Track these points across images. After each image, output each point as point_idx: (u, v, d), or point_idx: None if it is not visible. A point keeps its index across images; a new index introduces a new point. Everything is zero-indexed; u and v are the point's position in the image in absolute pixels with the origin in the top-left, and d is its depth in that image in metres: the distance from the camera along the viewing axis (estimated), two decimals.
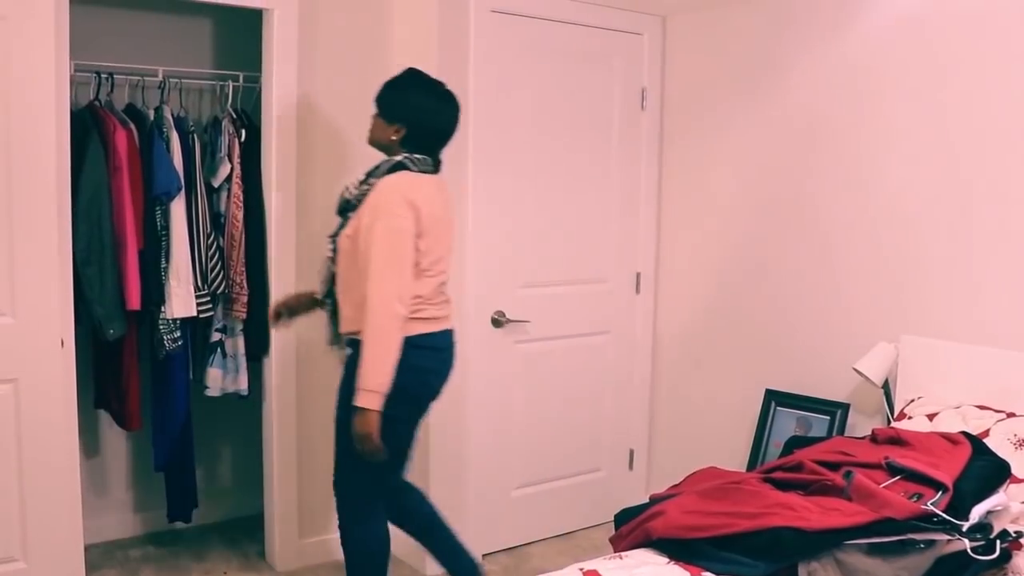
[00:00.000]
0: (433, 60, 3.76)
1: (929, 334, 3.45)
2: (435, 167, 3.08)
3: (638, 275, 4.52)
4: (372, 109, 3.13)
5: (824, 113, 3.78)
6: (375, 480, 3.10)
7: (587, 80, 4.24)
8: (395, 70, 3.99)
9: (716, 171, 4.24)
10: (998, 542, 2.42)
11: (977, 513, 2.45)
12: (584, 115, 4.25)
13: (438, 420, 3.91)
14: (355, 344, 2.97)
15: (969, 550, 2.34)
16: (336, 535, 4.00)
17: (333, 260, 3.04)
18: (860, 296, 3.69)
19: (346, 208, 3.03)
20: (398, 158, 2.99)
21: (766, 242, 4.03)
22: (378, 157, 3.09)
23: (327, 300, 3.12)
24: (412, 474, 4.00)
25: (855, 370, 3.47)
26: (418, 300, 2.94)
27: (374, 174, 3.00)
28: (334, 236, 3.04)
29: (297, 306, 3.34)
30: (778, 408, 3.93)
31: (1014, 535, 2.53)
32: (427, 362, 3.02)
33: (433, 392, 3.11)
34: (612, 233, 4.41)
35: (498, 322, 4.05)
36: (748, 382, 4.14)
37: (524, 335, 4.15)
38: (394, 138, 3.01)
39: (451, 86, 3.75)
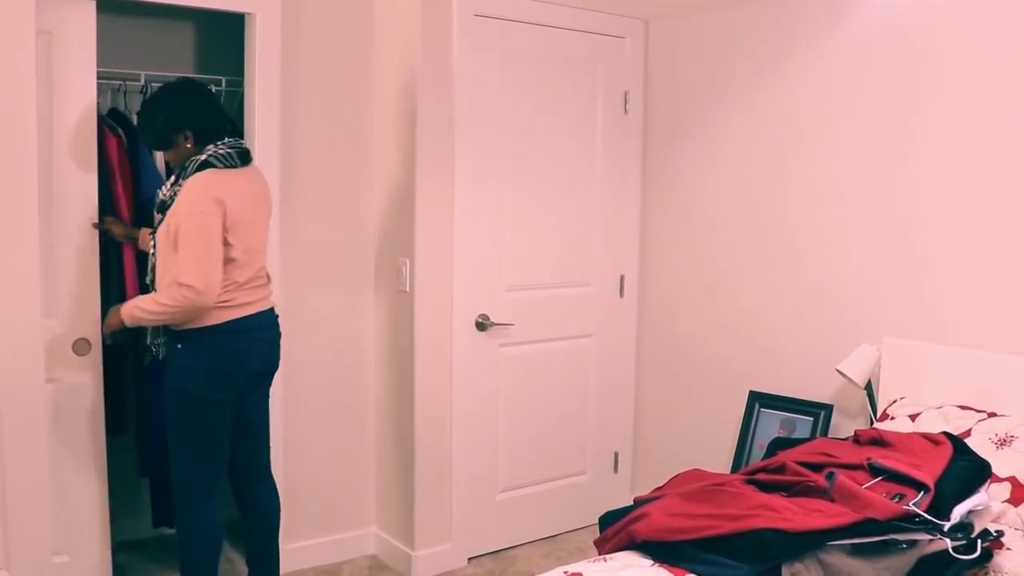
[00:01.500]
0: (416, 63, 3.77)
1: (911, 336, 3.47)
2: (242, 159, 3.18)
3: (622, 278, 4.53)
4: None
5: (806, 116, 3.80)
6: (198, 467, 3.19)
7: (570, 84, 4.25)
8: (378, 73, 4.02)
9: (699, 174, 4.25)
10: (979, 541, 2.43)
11: (958, 513, 2.46)
12: (567, 119, 4.25)
13: (423, 423, 3.92)
14: (171, 335, 3.13)
15: (951, 549, 2.36)
16: (316, 540, 4.02)
17: (154, 254, 3.15)
18: (843, 298, 3.71)
19: (163, 207, 3.15)
20: (203, 157, 3.11)
21: (749, 244, 4.05)
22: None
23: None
24: (396, 476, 4.01)
25: (838, 371, 3.48)
26: (231, 286, 3.10)
27: (182, 175, 3.12)
28: (153, 232, 3.17)
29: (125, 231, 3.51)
30: (762, 409, 3.94)
31: (995, 534, 2.54)
32: (235, 345, 3.15)
33: (242, 373, 3.19)
34: (596, 236, 4.42)
35: (482, 325, 4.05)
36: (732, 384, 4.15)
37: (508, 338, 4.16)
38: (190, 146, 3.13)
39: (434, 89, 3.81)
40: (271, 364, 3.36)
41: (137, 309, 3.08)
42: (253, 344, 3.21)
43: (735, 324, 4.13)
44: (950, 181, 3.35)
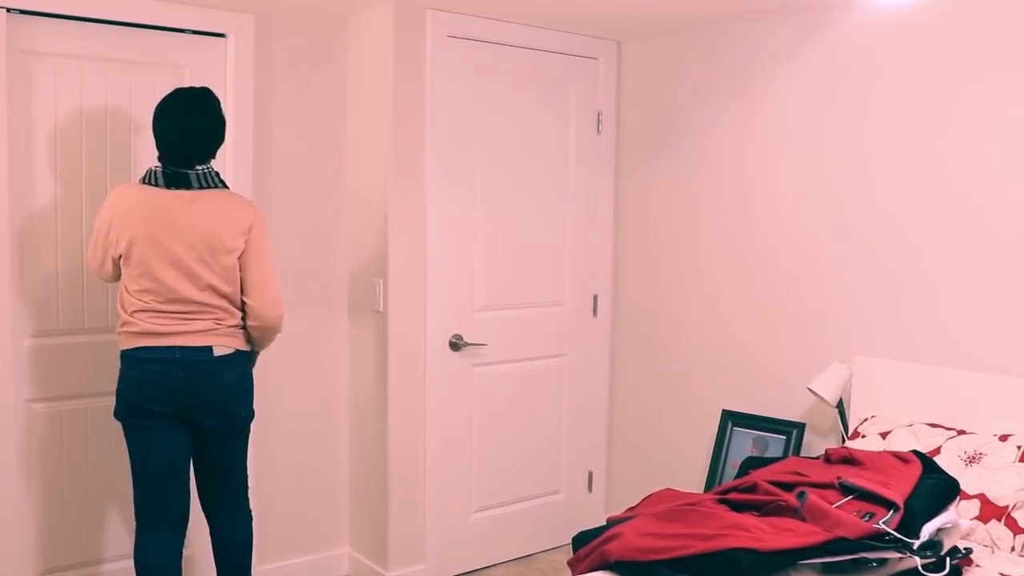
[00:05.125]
0: (389, 84, 3.78)
1: (881, 354, 3.50)
2: (176, 182, 3.05)
3: (595, 297, 4.55)
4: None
5: (779, 135, 3.84)
6: (137, 494, 3.10)
7: (543, 104, 4.27)
8: (351, 94, 4.04)
9: (672, 194, 4.28)
10: (948, 559, 2.46)
11: (928, 531, 2.48)
12: (540, 139, 4.28)
13: (396, 443, 3.91)
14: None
15: (920, 567, 2.38)
16: (289, 561, 4.00)
17: None
18: (814, 317, 3.74)
19: None
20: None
21: (721, 264, 4.08)
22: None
23: None
24: (370, 496, 4.00)
25: (810, 390, 3.51)
26: (138, 311, 3.01)
27: None
28: None
29: None
30: (735, 428, 3.96)
31: (964, 551, 2.58)
32: (136, 374, 3.02)
33: (151, 404, 3.04)
34: (569, 256, 4.44)
35: (456, 345, 4.05)
36: (705, 403, 4.17)
37: (482, 358, 4.16)
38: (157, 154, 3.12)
39: (408, 110, 3.81)
40: (207, 405, 3.09)
41: None
42: (156, 376, 3.01)
43: (708, 343, 4.16)
44: (919, 201, 3.39)
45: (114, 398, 3.12)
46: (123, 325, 3.05)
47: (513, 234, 4.22)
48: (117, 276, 3.12)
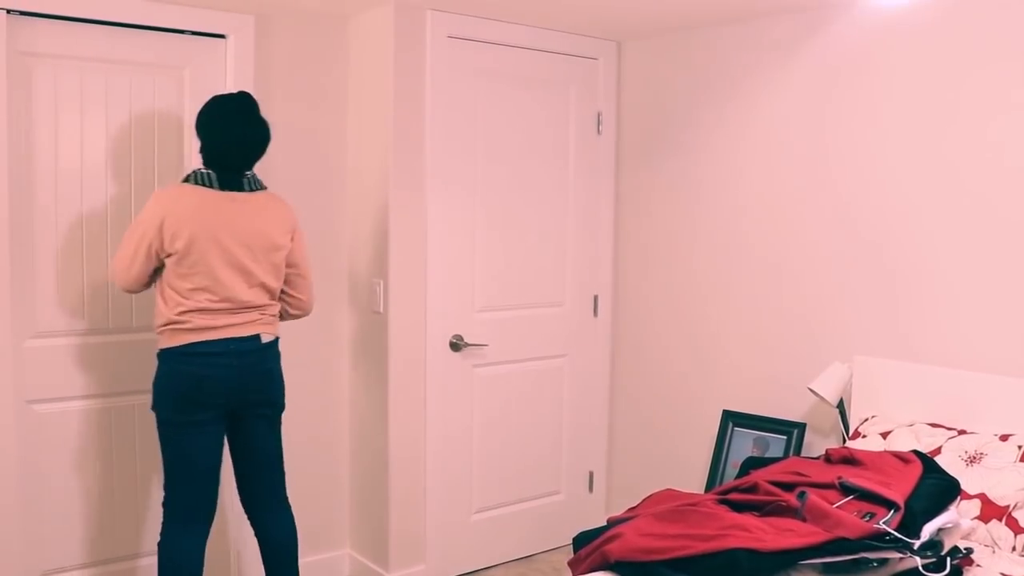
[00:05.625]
0: (389, 84, 3.78)
1: (882, 354, 3.50)
2: (230, 185, 3.16)
3: (596, 298, 4.55)
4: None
5: (779, 135, 3.84)
6: (175, 488, 3.18)
7: (543, 104, 4.27)
8: (352, 95, 4.04)
9: (672, 194, 4.28)
10: (949, 559, 2.46)
11: (928, 531, 2.48)
12: (540, 139, 4.28)
13: (396, 444, 3.91)
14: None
15: (921, 567, 2.38)
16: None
17: None
18: (815, 317, 3.74)
19: None
20: (189, 173, 3.17)
21: (721, 264, 4.08)
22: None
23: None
24: (370, 497, 4.00)
25: (810, 390, 3.51)
26: (190, 309, 3.09)
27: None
28: None
29: None
30: (736, 429, 3.96)
31: (964, 552, 2.57)
32: (192, 369, 3.10)
33: (205, 397, 3.14)
34: (569, 256, 4.44)
35: (456, 346, 4.05)
36: (706, 403, 4.17)
37: (482, 359, 4.16)
38: (200, 153, 3.19)
39: (408, 111, 3.81)
40: (255, 392, 3.23)
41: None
42: (212, 369, 3.11)
43: (709, 343, 4.16)
44: (919, 201, 3.39)
45: (150, 395, 3.19)
46: (169, 324, 3.09)
47: (513, 234, 4.22)
48: (143, 278, 3.12)
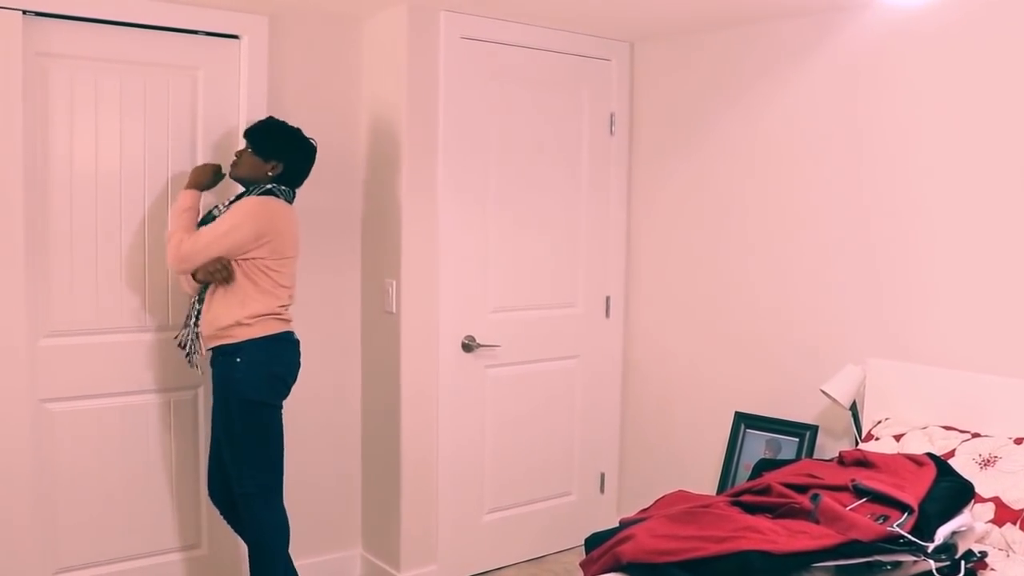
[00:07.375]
0: (403, 85, 3.78)
1: (895, 356, 3.49)
2: (292, 199, 3.50)
3: (608, 299, 4.55)
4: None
5: (793, 136, 3.83)
6: (276, 467, 3.47)
7: (556, 105, 4.27)
8: (365, 96, 4.05)
9: (684, 196, 4.28)
10: (963, 562, 2.46)
11: (942, 534, 2.48)
12: (553, 140, 4.27)
13: (409, 444, 3.91)
14: (219, 352, 3.37)
15: (934, 571, 2.37)
16: (302, 562, 4.00)
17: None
18: (828, 319, 3.73)
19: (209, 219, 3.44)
20: (268, 186, 3.41)
21: (734, 265, 4.07)
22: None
23: (199, 298, 3.44)
24: (383, 497, 4.00)
25: (823, 392, 3.50)
26: (286, 304, 3.44)
27: (244, 195, 3.42)
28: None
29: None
30: (748, 430, 3.95)
31: (978, 555, 2.57)
32: (287, 355, 3.47)
33: (292, 381, 3.51)
34: (582, 257, 4.43)
35: (468, 347, 4.06)
36: (718, 405, 4.16)
37: (494, 360, 4.16)
38: (270, 173, 3.42)
39: (421, 111, 3.84)
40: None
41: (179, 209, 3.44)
42: (297, 356, 3.50)
43: (721, 344, 4.15)
44: (935, 202, 3.38)
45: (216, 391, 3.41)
46: (268, 314, 3.35)
47: (526, 235, 4.22)
48: (199, 276, 3.33)
